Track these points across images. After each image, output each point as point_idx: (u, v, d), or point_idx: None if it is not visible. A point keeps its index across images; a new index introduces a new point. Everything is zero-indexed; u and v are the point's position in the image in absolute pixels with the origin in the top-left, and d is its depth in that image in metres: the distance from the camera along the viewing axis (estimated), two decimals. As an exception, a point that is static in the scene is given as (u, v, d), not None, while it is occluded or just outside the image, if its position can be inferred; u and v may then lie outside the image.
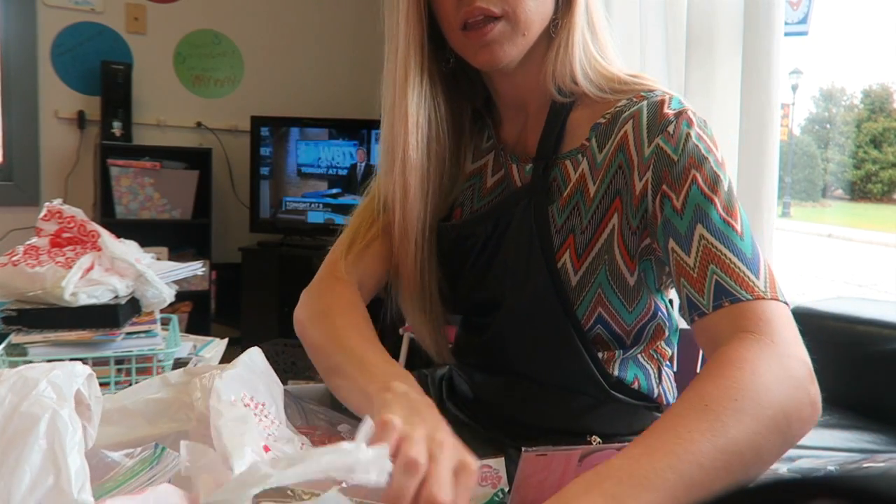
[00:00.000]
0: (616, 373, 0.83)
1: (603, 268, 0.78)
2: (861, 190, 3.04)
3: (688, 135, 0.73)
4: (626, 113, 0.78)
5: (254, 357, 0.71)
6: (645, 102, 0.77)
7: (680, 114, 0.75)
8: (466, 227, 0.86)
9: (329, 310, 0.84)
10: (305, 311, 0.89)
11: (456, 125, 0.89)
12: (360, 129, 3.06)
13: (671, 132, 0.74)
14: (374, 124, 3.00)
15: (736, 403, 0.55)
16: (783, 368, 0.59)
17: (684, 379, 1.04)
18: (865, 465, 0.74)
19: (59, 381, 0.52)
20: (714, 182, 0.72)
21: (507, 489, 0.60)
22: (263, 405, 0.66)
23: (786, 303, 0.67)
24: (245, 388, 0.65)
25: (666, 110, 0.75)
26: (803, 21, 2.15)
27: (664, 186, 0.73)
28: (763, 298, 0.65)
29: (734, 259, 0.68)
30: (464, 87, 0.89)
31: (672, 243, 0.72)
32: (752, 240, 0.70)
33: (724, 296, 0.66)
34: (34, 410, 0.49)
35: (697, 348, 1.22)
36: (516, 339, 0.84)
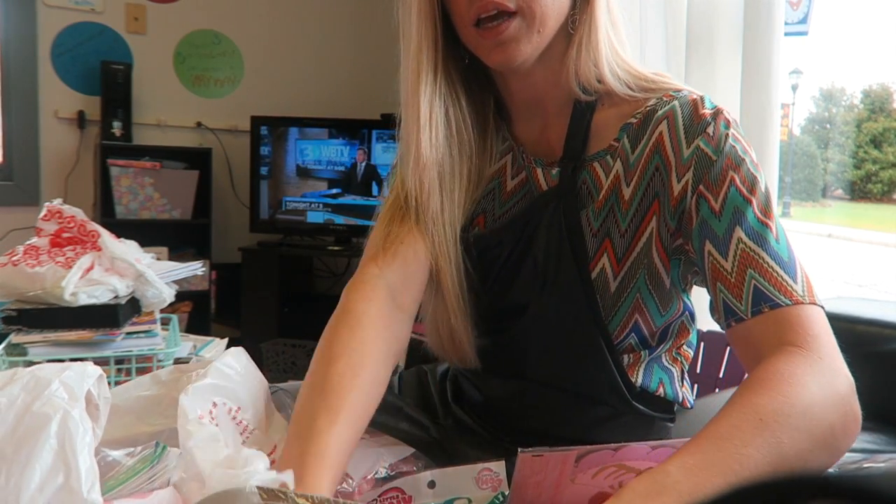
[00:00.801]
0: (640, 380, 0.81)
1: (642, 271, 0.77)
2: (861, 190, 3.04)
3: (726, 135, 0.72)
4: (660, 113, 0.76)
5: (230, 361, 0.70)
6: (677, 102, 0.75)
7: (717, 114, 0.73)
8: (493, 236, 0.83)
9: (333, 338, 0.72)
10: (328, 324, 0.75)
11: (479, 120, 0.85)
12: (360, 129, 3.07)
13: (711, 133, 0.72)
14: (374, 124, 3.02)
15: (790, 420, 0.55)
16: (831, 386, 0.60)
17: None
18: (866, 465, 0.74)
19: (71, 381, 0.53)
20: (752, 183, 0.71)
21: (507, 492, 0.60)
22: (239, 409, 0.66)
23: (822, 306, 0.67)
24: (216, 395, 0.65)
25: (702, 110, 0.74)
26: (803, 21, 2.15)
27: (701, 187, 0.72)
28: (802, 303, 0.65)
29: (772, 263, 0.67)
30: (482, 82, 0.86)
31: (709, 246, 0.70)
32: (787, 241, 0.70)
33: (762, 301, 0.66)
34: (46, 410, 0.50)
35: (699, 348, 1.22)
36: (539, 344, 0.82)
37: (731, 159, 0.71)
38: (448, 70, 0.80)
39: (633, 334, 0.79)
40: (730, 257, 0.69)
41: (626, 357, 0.81)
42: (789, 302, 0.65)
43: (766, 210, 0.70)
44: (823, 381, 0.60)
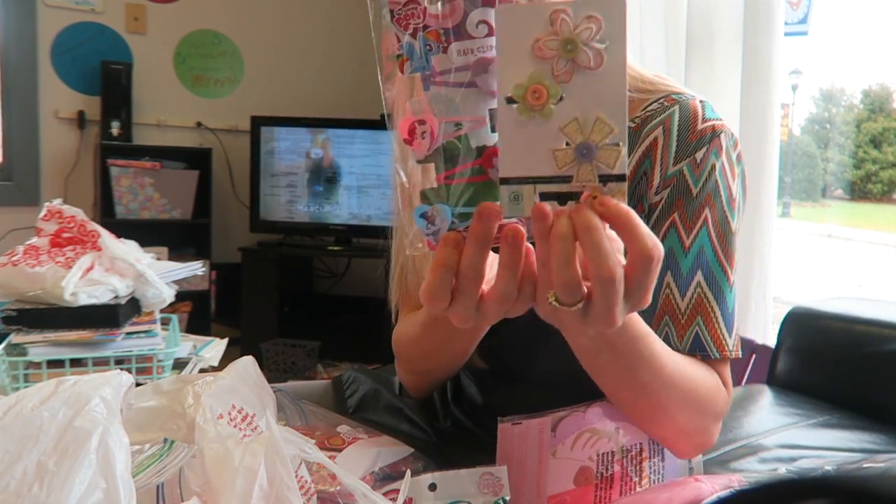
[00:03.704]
0: None
1: None
2: (861, 190, 3.04)
3: (713, 167, 0.72)
4: (657, 119, 0.75)
5: (247, 365, 0.70)
6: (677, 107, 0.74)
7: (714, 137, 0.72)
8: None
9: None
10: (398, 367, 0.88)
11: None
12: (359, 130, 3.07)
13: (698, 160, 0.72)
14: (374, 124, 3.02)
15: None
16: (722, 398, 0.73)
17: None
18: (865, 465, 0.74)
19: (110, 397, 0.54)
20: (722, 225, 0.72)
21: (508, 498, 0.60)
22: (254, 416, 0.66)
23: (738, 356, 0.74)
24: (235, 398, 0.65)
25: (700, 126, 0.73)
26: (803, 21, 2.15)
27: (675, 216, 0.72)
28: (727, 357, 0.72)
29: (718, 314, 0.71)
30: None
31: (669, 277, 0.72)
32: (735, 287, 0.73)
33: (698, 349, 0.71)
34: (86, 426, 0.51)
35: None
36: (532, 342, 0.81)
37: (711, 196, 0.72)
38: None
39: None
40: (686, 298, 0.71)
41: None
42: (718, 356, 0.72)
43: (729, 253, 0.72)
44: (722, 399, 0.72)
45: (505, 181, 0.45)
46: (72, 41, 3.05)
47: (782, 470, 0.81)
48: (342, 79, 3.43)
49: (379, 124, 3.04)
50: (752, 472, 0.96)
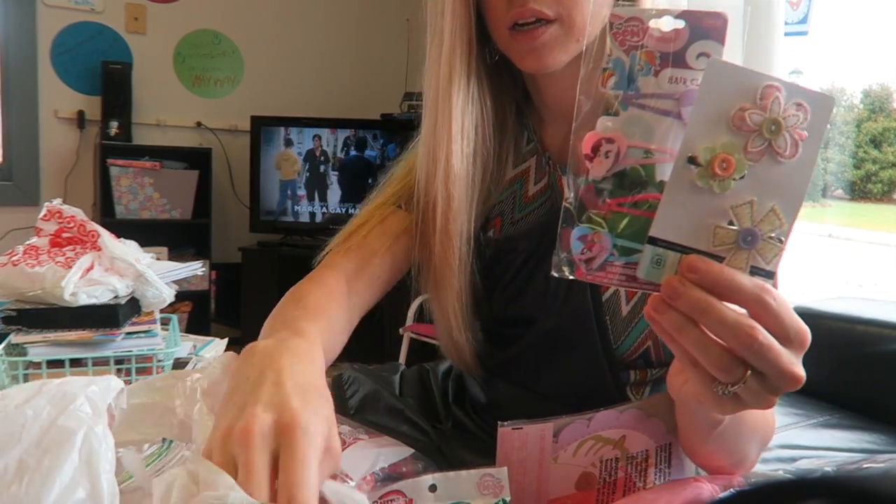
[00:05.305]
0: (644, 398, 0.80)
1: None
2: (861, 190, 3.04)
3: None
4: None
5: (232, 359, 0.70)
6: None
7: None
8: (511, 240, 0.81)
9: (297, 292, 0.74)
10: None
11: (500, 124, 0.82)
12: (360, 129, 3.07)
13: None
14: (374, 124, 3.02)
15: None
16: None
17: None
18: (866, 466, 0.74)
19: (95, 396, 0.53)
20: None
21: (508, 499, 0.60)
22: None
23: None
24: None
25: None
26: (803, 21, 2.15)
27: None
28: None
29: None
30: (507, 83, 0.83)
31: None
32: None
33: None
34: (70, 425, 0.50)
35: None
36: (544, 357, 0.80)
37: None
38: (479, 73, 0.77)
39: (640, 360, 0.78)
40: None
41: (632, 374, 0.79)
42: None
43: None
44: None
45: (652, 241, 0.42)
46: (72, 41, 3.05)
47: (782, 470, 0.82)
48: (342, 79, 3.43)
49: (379, 124, 3.04)
50: (752, 472, 0.96)
